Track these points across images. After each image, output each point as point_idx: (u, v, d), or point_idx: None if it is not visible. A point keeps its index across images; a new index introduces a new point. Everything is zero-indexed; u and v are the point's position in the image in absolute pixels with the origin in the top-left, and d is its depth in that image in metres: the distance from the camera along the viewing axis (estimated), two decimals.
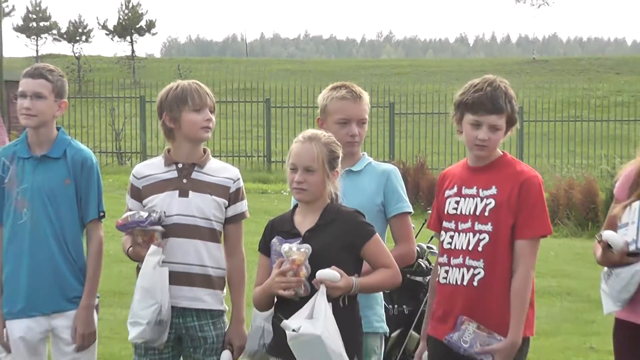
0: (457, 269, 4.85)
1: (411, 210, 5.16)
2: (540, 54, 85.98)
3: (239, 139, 27.21)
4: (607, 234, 4.55)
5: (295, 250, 4.45)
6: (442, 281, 4.92)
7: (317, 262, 4.49)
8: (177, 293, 5.04)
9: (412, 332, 6.49)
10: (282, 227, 4.72)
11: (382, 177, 5.20)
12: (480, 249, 4.78)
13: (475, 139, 4.72)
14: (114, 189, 6.32)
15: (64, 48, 75.05)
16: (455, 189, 4.98)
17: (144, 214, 5.16)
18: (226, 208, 5.17)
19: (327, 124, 5.08)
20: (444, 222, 5.02)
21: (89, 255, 5.54)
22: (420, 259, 6.93)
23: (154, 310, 5.02)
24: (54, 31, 74.66)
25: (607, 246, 4.52)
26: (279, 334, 4.53)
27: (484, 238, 4.79)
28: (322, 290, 4.42)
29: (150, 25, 70.02)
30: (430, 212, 5.32)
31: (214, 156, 5.45)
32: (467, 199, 4.90)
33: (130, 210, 5.26)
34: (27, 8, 73.14)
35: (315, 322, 4.42)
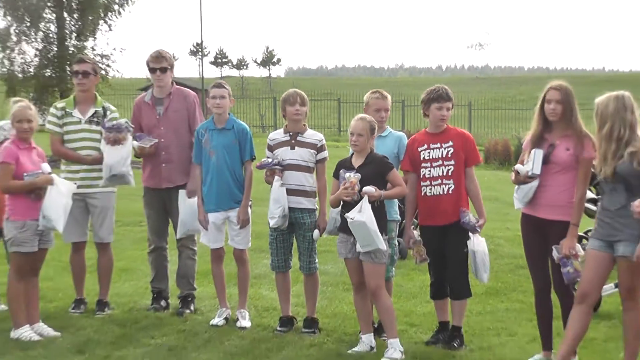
0: (438, 186, 7.49)
1: None
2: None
3: (326, 118, 44.94)
4: (517, 166, 6.93)
5: (352, 176, 6.93)
6: (428, 194, 7.48)
7: (363, 182, 6.91)
8: (291, 200, 7.69)
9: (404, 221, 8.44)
10: (345, 164, 7.18)
11: (397, 139, 7.79)
12: (450, 174, 7.47)
13: (441, 116, 7.48)
14: (259, 146, 8.96)
15: (234, 72, 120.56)
16: (425, 146, 7.56)
17: (270, 159, 7.88)
18: (315, 155, 7.84)
19: (369, 111, 7.60)
20: (421, 164, 7.52)
21: (246, 178, 8.17)
22: None
23: (280, 210, 7.70)
24: (229, 64, 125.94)
25: (517, 173, 6.89)
26: (344, 220, 7.00)
27: (451, 168, 7.49)
28: (365, 197, 6.85)
29: (279, 60, 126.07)
30: None
31: (310, 128, 8.08)
32: (435, 150, 7.56)
33: (267, 157, 7.92)
34: (216, 52, 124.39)
35: (362, 214, 6.82)
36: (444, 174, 7.46)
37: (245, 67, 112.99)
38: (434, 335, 7.73)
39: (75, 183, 8.41)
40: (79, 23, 28.46)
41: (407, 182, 7.62)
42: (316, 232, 7.88)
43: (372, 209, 6.91)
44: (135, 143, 8.36)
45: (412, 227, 7.88)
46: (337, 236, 7.58)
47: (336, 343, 7.69)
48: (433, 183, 7.47)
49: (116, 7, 28.93)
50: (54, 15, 28.38)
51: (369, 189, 6.90)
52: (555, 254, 6.81)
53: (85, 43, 28.74)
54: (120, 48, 31.96)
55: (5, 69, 27.89)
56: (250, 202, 8.26)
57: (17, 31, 27.99)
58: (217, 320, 8.23)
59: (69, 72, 24.81)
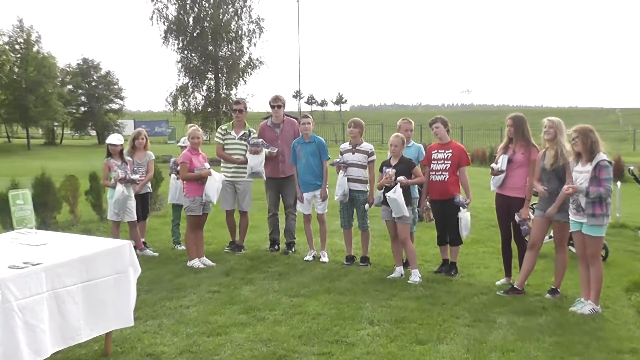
0: (439, 176, 8.17)
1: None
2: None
3: (374, 135, 46.64)
4: (492, 165, 7.58)
5: (390, 171, 7.78)
6: (434, 180, 8.17)
7: (396, 175, 7.70)
8: (351, 185, 8.53)
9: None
10: (386, 163, 7.89)
11: (417, 148, 8.43)
12: (447, 169, 8.09)
13: (433, 131, 8.12)
14: (333, 153, 8.92)
15: (319, 108, 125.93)
16: (435, 150, 8.15)
17: (339, 160, 8.46)
18: (368, 157, 8.56)
19: (400, 131, 8.27)
20: (431, 161, 8.09)
21: (323, 171, 8.91)
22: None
23: (342, 191, 8.52)
24: (316, 103, 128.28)
25: (492, 169, 7.53)
26: (384, 197, 7.80)
27: (448, 166, 8.08)
28: (398, 184, 7.67)
29: (345, 100, 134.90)
30: None
31: (365, 141, 8.67)
32: (440, 153, 8.16)
33: (337, 159, 8.53)
34: (308, 96, 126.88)
35: (395, 194, 7.70)
36: (443, 169, 8.15)
37: (325, 104, 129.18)
38: (439, 268, 8.37)
39: (226, 175, 9.23)
40: (227, 80, 33.60)
41: (425, 173, 8.19)
42: (367, 205, 8.59)
43: (402, 191, 7.72)
44: (266, 150, 9.13)
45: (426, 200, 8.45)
46: (380, 207, 8.15)
47: (380, 272, 8.26)
48: (437, 174, 8.20)
49: (249, 70, 33.79)
50: (212, 75, 33.76)
51: (400, 178, 7.72)
52: (517, 217, 7.32)
53: (230, 91, 33.97)
54: (251, 94, 41.03)
55: (185, 108, 33.59)
56: (327, 185, 9.05)
57: (191, 86, 33.54)
58: (308, 257, 8.93)
59: (222, 109, 31.63)
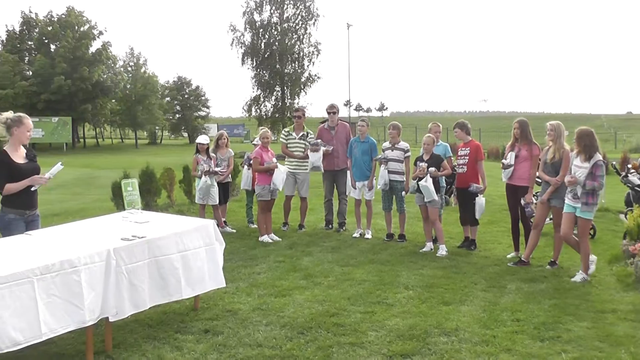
0: (461, 168, 8.07)
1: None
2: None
3: (410, 136, 44.21)
4: (503, 161, 7.47)
5: (423, 165, 7.75)
6: (458, 171, 8.06)
7: (428, 167, 7.69)
8: (391, 176, 8.42)
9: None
10: (419, 159, 7.87)
11: (444, 147, 8.32)
12: (466, 163, 8.02)
13: (454, 133, 7.94)
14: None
15: (365, 114, 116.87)
16: (462, 148, 8.06)
17: (381, 156, 8.25)
18: (404, 154, 8.42)
19: (431, 132, 8.14)
20: (458, 157, 8.03)
21: (372, 165, 8.61)
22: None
23: (383, 181, 8.37)
24: (363, 109, 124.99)
25: (502, 164, 7.45)
26: (418, 186, 7.76)
27: (467, 160, 8.02)
28: (429, 175, 7.72)
29: (386, 107, 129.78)
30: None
31: (403, 140, 8.50)
32: (463, 149, 8.08)
33: (380, 155, 8.36)
34: (356, 104, 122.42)
35: (427, 182, 7.69)
36: (464, 162, 8.12)
37: (370, 110, 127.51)
38: (461, 243, 8.29)
39: (289, 167, 9.19)
40: (291, 91, 33.77)
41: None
42: (404, 192, 8.57)
43: (432, 181, 7.71)
44: (323, 148, 9.06)
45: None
46: (414, 194, 8.10)
47: (414, 246, 8.22)
48: (460, 167, 8.19)
49: (309, 83, 33.65)
50: (279, 88, 33.99)
51: (431, 169, 7.74)
52: (522, 201, 7.29)
53: (293, 101, 34.16)
54: (310, 102, 38.34)
55: (257, 114, 33.80)
56: (374, 177, 8.96)
57: (262, 96, 33.84)
58: (355, 234, 8.88)
59: (287, 115, 31.71)
